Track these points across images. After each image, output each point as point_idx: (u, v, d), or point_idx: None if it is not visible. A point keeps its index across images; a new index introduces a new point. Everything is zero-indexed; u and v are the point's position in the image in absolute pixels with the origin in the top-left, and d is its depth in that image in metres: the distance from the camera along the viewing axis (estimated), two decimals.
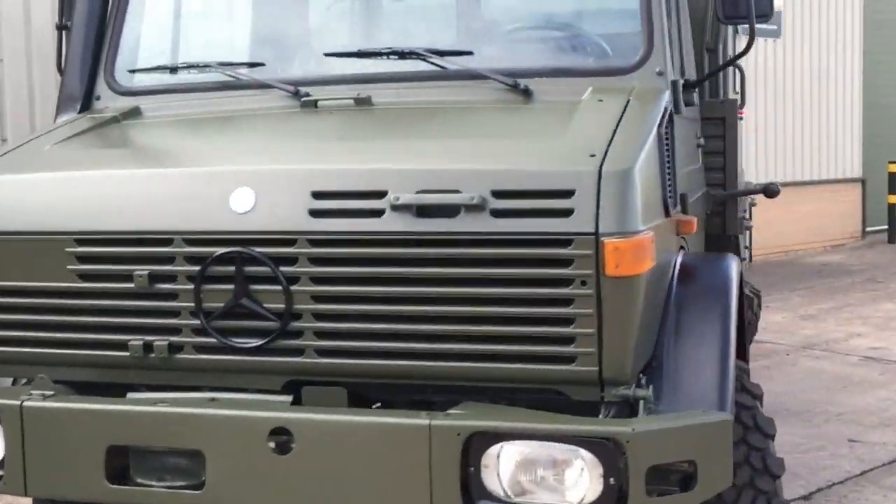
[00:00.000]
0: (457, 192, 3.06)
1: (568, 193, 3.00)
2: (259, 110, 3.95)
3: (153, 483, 3.21)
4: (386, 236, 3.10)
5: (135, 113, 4.14)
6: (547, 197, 3.02)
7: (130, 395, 3.45)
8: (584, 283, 2.99)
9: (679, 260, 3.73)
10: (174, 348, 3.32)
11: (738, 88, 5.83)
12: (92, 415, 3.23)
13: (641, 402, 3.05)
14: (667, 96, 3.69)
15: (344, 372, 3.23)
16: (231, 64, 4.14)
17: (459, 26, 4.16)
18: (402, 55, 3.86)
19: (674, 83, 3.81)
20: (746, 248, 6.82)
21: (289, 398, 3.28)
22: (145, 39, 4.46)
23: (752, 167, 14.72)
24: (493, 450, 2.95)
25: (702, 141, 4.78)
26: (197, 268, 3.23)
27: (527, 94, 3.70)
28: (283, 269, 3.18)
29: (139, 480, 3.22)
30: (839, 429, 6.96)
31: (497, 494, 2.96)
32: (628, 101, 3.53)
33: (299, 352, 3.23)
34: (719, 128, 5.29)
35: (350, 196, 3.16)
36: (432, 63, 3.81)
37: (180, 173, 3.38)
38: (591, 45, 4.02)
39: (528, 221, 3.02)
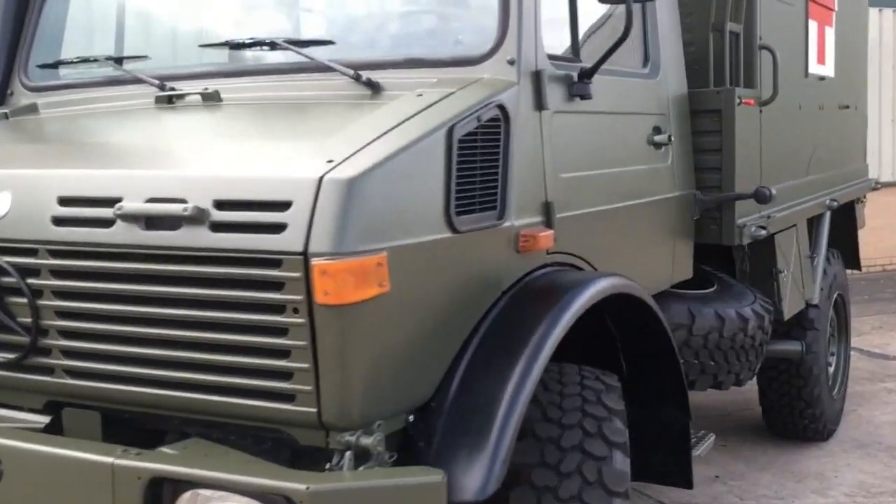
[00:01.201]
0: (183, 201, 2.72)
1: (284, 205, 2.60)
2: (121, 107, 3.75)
3: None
4: (114, 249, 2.82)
5: (29, 109, 4.05)
6: (265, 209, 2.63)
7: None
8: (296, 311, 2.59)
9: (525, 280, 3.22)
10: None
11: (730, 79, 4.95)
12: None
13: (347, 455, 2.59)
14: (515, 90, 3.18)
15: (92, 395, 2.97)
16: (118, 58, 3.99)
17: (325, 17, 3.81)
18: (270, 46, 3.55)
19: (537, 74, 3.29)
20: (812, 256, 5.94)
21: (46, 419, 3.06)
22: (59, 36, 4.35)
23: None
24: (186, 497, 2.59)
25: (659, 138, 4.14)
26: None
27: (373, 86, 3.29)
28: (30, 280, 2.96)
29: None
30: None
31: None
32: (448, 95, 3.06)
33: (50, 371, 3.00)
34: (716, 122, 4.59)
35: (89, 203, 2.89)
36: (298, 53, 3.47)
37: None
38: (449, 33, 3.57)
39: (244, 237, 2.64)
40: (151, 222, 2.77)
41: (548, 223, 3.33)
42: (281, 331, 2.62)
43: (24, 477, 2.77)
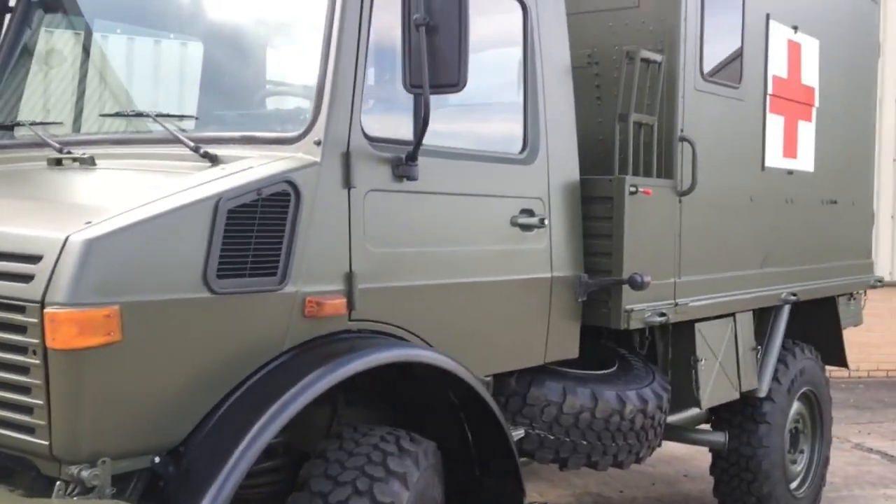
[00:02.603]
0: None
1: (37, 259, 2.96)
2: (20, 167, 4.19)
3: None
4: None
5: None
6: (23, 261, 2.99)
7: None
8: (35, 353, 2.93)
9: (306, 344, 3.46)
10: None
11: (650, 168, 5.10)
12: None
13: (57, 485, 2.89)
14: (315, 169, 3.47)
15: None
16: (36, 123, 4.43)
17: (198, 94, 4.20)
18: (145, 116, 3.97)
19: (346, 155, 3.56)
20: (756, 348, 5.90)
21: None
22: (17, 98, 4.86)
23: None
24: None
25: (526, 220, 4.29)
26: None
27: (211, 158, 3.60)
28: None
29: None
30: None
31: None
32: (243, 170, 3.38)
33: None
34: (609, 209, 4.73)
35: None
36: (162, 125, 3.83)
37: None
38: (282, 114, 3.92)
39: (5, 285, 3.01)
40: None
41: (348, 292, 3.57)
42: (25, 369, 2.96)
43: None
